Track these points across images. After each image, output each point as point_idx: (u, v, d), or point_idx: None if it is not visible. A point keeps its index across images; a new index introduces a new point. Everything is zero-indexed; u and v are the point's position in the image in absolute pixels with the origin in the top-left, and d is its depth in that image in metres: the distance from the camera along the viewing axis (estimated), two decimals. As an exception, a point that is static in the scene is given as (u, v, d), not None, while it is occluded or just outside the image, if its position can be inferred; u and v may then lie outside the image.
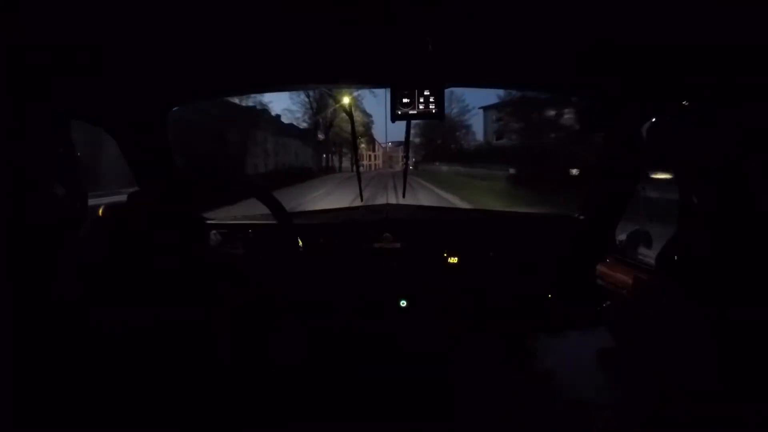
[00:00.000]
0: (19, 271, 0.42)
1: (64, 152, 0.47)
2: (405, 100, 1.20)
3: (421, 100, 1.20)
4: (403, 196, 1.80)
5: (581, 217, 1.52)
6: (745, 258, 0.53)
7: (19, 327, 0.37)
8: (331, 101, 1.58)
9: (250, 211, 1.54)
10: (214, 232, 1.48)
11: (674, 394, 0.60)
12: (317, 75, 1.23)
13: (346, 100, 1.45)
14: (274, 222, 1.24)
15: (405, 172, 1.75)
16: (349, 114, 1.50)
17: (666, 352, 0.74)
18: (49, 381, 0.35)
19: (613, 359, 0.77)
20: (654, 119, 1.12)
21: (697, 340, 0.67)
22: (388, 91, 1.23)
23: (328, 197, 9.17)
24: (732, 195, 0.58)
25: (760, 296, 0.53)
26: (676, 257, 0.62)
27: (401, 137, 1.40)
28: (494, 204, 7.70)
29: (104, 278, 0.68)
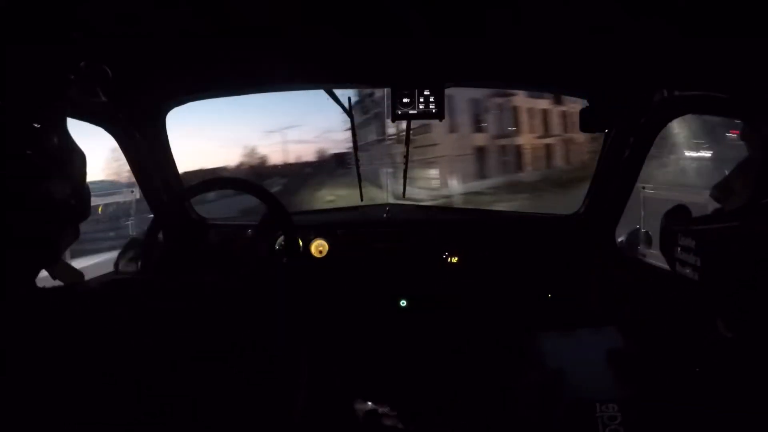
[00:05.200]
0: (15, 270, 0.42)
1: (65, 150, 0.47)
2: (405, 100, 1.20)
3: (421, 99, 1.20)
4: (403, 196, 1.80)
5: (581, 217, 1.52)
6: (760, 261, 0.52)
7: (15, 325, 0.37)
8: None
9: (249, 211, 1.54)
10: (213, 231, 1.48)
11: (681, 392, 0.60)
12: (317, 75, 1.23)
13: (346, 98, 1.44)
14: (274, 221, 1.24)
15: (405, 172, 1.75)
16: (350, 114, 1.50)
17: (673, 351, 0.75)
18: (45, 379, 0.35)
19: (617, 358, 0.78)
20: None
21: (705, 337, 0.67)
22: (389, 90, 1.23)
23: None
24: (749, 197, 0.57)
25: None
26: (682, 257, 0.62)
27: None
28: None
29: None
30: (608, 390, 0.69)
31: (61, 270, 0.52)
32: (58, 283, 0.56)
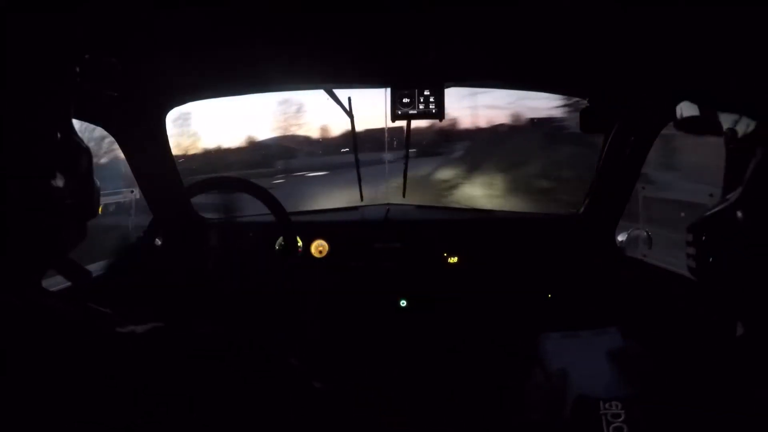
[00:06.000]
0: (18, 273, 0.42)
1: (70, 147, 0.46)
2: (405, 100, 1.20)
3: (421, 99, 1.20)
4: (403, 196, 1.80)
5: (581, 217, 1.52)
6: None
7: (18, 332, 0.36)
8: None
9: (249, 210, 1.54)
10: (213, 231, 1.48)
11: (683, 390, 0.60)
12: (317, 75, 1.24)
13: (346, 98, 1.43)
14: (274, 221, 1.24)
15: (405, 171, 1.75)
16: (350, 113, 1.50)
17: (674, 350, 0.75)
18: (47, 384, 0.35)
19: (620, 358, 0.78)
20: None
21: (705, 336, 0.67)
22: (388, 90, 1.23)
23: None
24: (756, 198, 0.58)
25: None
26: (687, 258, 0.62)
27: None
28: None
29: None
30: (611, 388, 0.69)
31: (68, 268, 0.51)
32: (61, 281, 0.56)
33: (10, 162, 0.39)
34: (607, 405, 0.59)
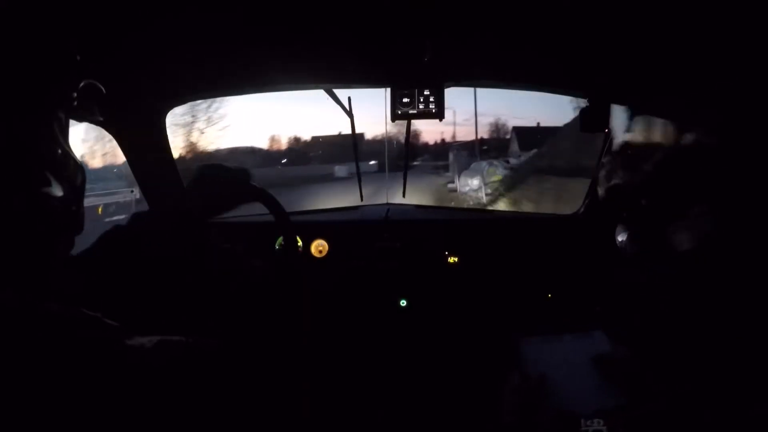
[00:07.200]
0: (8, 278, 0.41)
1: (62, 158, 0.46)
2: (405, 100, 1.20)
3: (421, 99, 1.20)
4: (403, 196, 1.80)
5: (581, 217, 1.52)
6: (753, 262, 0.52)
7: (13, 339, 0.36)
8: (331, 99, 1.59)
9: (249, 210, 1.54)
10: (214, 231, 1.48)
11: (669, 400, 0.59)
12: (317, 75, 1.24)
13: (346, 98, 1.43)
14: (273, 221, 1.24)
15: (405, 172, 1.75)
16: (349, 114, 1.50)
17: (664, 356, 0.74)
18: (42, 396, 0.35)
19: (611, 363, 0.77)
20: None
21: (697, 343, 0.67)
22: (388, 90, 1.23)
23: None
24: (735, 196, 0.58)
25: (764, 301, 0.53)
26: (680, 257, 0.62)
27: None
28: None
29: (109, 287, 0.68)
30: (595, 401, 0.67)
31: (58, 279, 0.51)
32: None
33: (5, 168, 0.39)
34: (588, 422, 0.57)
